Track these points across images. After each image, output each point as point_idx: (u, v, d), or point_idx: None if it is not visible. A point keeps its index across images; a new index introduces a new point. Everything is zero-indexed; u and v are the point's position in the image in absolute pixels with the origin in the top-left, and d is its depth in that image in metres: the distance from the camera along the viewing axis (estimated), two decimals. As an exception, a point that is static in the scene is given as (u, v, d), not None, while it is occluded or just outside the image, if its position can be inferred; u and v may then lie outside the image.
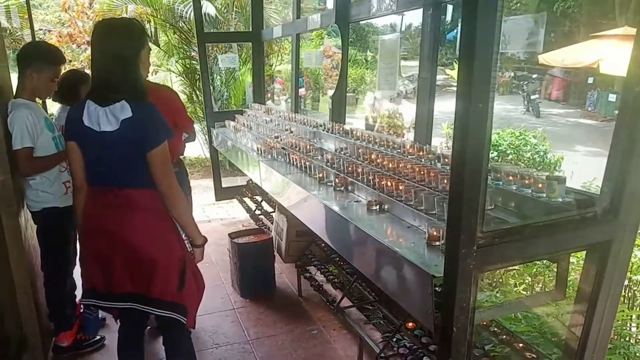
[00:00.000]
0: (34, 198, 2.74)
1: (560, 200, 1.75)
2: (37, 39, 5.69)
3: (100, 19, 4.64)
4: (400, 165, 2.48)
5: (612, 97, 16.87)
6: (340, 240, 2.37)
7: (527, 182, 1.93)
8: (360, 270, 2.28)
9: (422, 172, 2.32)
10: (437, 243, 1.85)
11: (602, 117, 16.21)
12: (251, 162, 3.90)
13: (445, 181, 2.11)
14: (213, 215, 6.18)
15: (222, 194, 5.99)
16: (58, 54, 2.81)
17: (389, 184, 2.36)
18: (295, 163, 3.36)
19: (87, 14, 9.89)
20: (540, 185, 1.85)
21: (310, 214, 2.73)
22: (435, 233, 1.85)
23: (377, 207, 2.35)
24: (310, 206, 2.70)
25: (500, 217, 1.91)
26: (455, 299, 1.42)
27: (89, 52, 9.18)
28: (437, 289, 1.63)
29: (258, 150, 3.87)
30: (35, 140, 2.62)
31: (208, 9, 8.10)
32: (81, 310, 3.32)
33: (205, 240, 2.26)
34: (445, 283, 1.45)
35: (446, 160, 2.35)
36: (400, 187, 2.26)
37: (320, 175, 2.91)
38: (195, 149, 9.03)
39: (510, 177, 2.01)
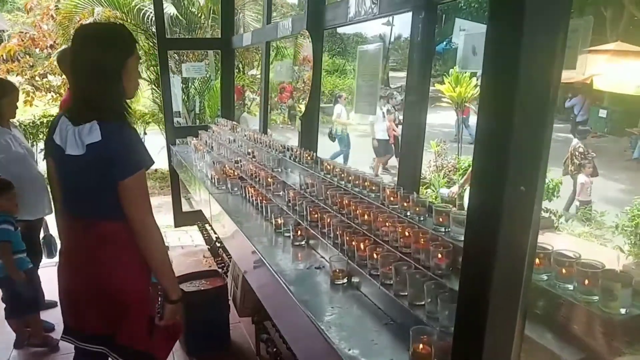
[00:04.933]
0: None
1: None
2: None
3: (81, 24, 3.96)
4: (379, 220, 1.83)
5: (603, 113, 16.53)
6: (292, 328, 1.72)
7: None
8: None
9: (407, 234, 1.68)
10: (428, 364, 1.21)
11: (593, 134, 15.78)
12: (203, 194, 3.25)
13: (440, 255, 1.47)
14: (174, 241, 5.44)
15: (181, 219, 5.33)
16: None
17: (361, 246, 1.72)
18: (251, 200, 2.73)
19: (52, 15, 9.17)
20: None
21: (258, 279, 2.08)
22: (422, 349, 1.21)
23: (345, 280, 1.72)
24: (259, 269, 2.05)
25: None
26: None
27: (53, 57, 8.55)
28: None
29: (212, 179, 3.23)
30: None
31: (169, 9, 7.42)
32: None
33: (181, 296, 1.83)
34: None
35: (440, 219, 1.68)
36: (376, 256, 1.62)
37: (278, 220, 2.28)
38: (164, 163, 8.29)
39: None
